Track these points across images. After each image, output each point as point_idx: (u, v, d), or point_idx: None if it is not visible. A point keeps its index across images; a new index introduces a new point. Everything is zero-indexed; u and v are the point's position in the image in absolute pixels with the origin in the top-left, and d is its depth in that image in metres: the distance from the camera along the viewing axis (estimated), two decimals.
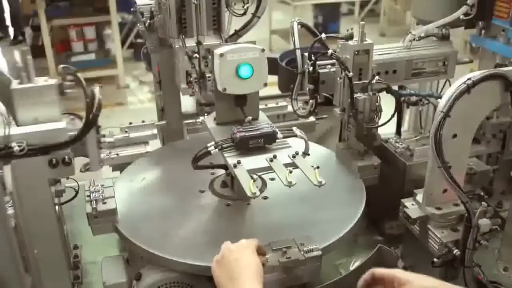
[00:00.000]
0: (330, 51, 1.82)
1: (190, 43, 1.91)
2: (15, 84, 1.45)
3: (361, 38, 1.84)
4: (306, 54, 1.88)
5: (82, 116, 1.58)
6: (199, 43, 1.87)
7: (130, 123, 2.27)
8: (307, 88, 1.91)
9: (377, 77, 1.88)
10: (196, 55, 1.87)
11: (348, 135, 1.98)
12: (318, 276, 1.53)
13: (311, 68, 1.86)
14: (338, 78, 1.88)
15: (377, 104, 1.89)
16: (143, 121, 2.30)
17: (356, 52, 1.84)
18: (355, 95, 1.85)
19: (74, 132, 1.47)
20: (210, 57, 1.84)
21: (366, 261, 1.63)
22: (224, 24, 2.01)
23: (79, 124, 1.50)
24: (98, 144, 1.56)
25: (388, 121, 1.93)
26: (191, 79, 1.94)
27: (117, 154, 2.15)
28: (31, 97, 1.45)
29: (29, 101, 1.44)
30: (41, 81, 1.47)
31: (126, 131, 2.22)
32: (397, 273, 1.25)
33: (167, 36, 2.03)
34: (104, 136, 2.11)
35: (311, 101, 1.91)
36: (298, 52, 1.90)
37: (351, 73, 1.81)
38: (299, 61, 1.91)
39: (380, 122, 1.93)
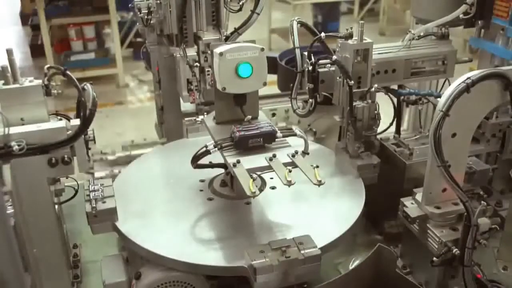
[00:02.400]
0: (334, 57, 1.83)
1: (191, 52, 1.93)
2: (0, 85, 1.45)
3: (360, 37, 1.84)
4: (306, 53, 1.88)
5: (70, 116, 1.58)
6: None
7: (132, 141, 2.29)
8: (307, 87, 1.91)
9: (376, 85, 1.89)
10: (197, 64, 1.89)
11: (347, 142, 1.98)
12: (317, 275, 1.53)
13: (310, 68, 1.86)
14: (338, 77, 1.88)
15: (376, 112, 1.89)
16: (144, 139, 2.32)
17: (355, 60, 1.84)
18: (354, 103, 1.86)
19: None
20: (209, 51, 1.85)
21: (366, 260, 1.63)
22: (223, 20, 2.02)
23: (68, 125, 1.50)
24: (86, 144, 1.56)
25: (386, 129, 1.94)
26: (192, 87, 1.95)
27: (119, 171, 2.15)
28: (16, 98, 1.45)
29: (14, 102, 1.45)
30: (26, 81, 1.47)
31: (128, 149, 2.24)
32: None
33: (167, 31, 2.04)
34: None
35: (310, 100, 1.91)
36: (297, 51, 1.91)
37: (352, 82, 1.81)
38: (299, 61, 1.91)
39: (380, 126, 1.94)
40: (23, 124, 1.45)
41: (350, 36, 1.86)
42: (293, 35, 1.92)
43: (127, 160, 2.21)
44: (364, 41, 1.85)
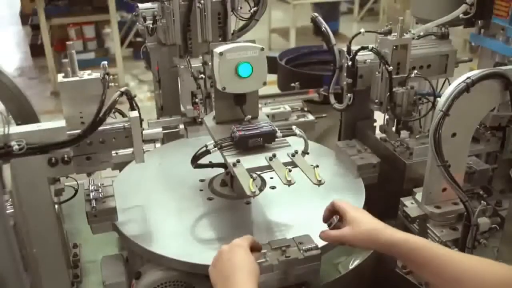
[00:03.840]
0: (370, 46, 1.85)
1: (196, 63, 1.87)
2: (60, 78, 1.49)
3: (400, 33, 1.87)
4: (345, 49, 1.91)
5: (125, 113, 1.61)
6: (205, 63, 1.83)
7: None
8: (344, 82, 1.93)
9: (415, 71, 1.91)
10: (202, 75, 1.84)
11: (386, 128, 2.01)
12: (317, 275, 1.53)
13: (350, 63, 1.88)
14: (377, 72, 1.90)
15: (414, 98, 1.93)
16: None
17: (394, 47, 1.86)
18: (394, 89, 1.89)
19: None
20: None
21: (366, 260, 1.63)
22: (230, 31, 1.97)
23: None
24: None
25: (425, 114, 1.96)
26: (197, 100, 1.90)
27: (116, 153, 2.14)
28: (75, 91, 1.49)
29: (74, 95, 1.49)
30: (85, 75, 1.52)
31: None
32: (348, 211, 1.42)
33: (170, 42, 2.00)
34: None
35: (349, 95, 1.93)
36: (335, 48, 1.94)
37: (391, 68, 1.83)
38: (337, 57, 1.96)
39: None
40: (81, 117, 1.50)
41: (389, 32, 1.88)
42: (327, 30, 1.94)
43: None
44: (403, 37, 1.88)
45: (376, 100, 1.94)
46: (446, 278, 1.22)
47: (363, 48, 1.89)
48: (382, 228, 1.36)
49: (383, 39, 1.90)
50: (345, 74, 1.95)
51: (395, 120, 2.02)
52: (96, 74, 1.52)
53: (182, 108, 2.40)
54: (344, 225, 1.42)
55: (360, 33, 1.89)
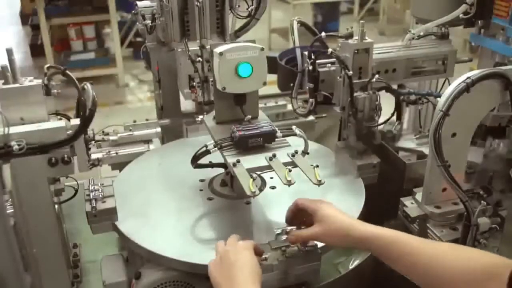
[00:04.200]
0: (329, 50, 1.82)
1: (193, 46, 1.88)
2: None
3: (361, 37, 1.84)
4: (306, 52, 1.88)
5: (70, 116, 1.58)
6: (202, 46, 1.84)
7: (134, 121, 2.28)
8: (307, 87, 1.91)
9: (377, 75, 1.88)
10: (200, 59, 1.84)
11: (348, 134, 1.98)
12: (317, 275, 1.53)
13: (311, 67, 1.86)
14: (338, 77, 1.88)
15: (376, 103, 1.89)
16: (146, 119, 2.31)
17: (356, 51, 1.83)
18: (355, 94, 1.85)
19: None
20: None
21: (366, 260, 1.63)
22: (227, 27, 1.98)
23: (68, 125, 1.50)
24: (86, 144, 1.55)
25: (388, 120, 1.94)
26: (194, 83, 1.90)
27: (116, 153, 2.15)
28: (16, 98, 1.44)
29: (14, 101, 1.44)
30: (26, 81, 1.47)
31: (130, 129, 2.22)
32: (317, 210, 1.42)
33: (169, 40, 2.01)
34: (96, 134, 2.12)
35: (311, 100, 1.91)
36: (298, 51, 1.90)
37: (350, 72, 1.81)
38: (299, 60, 1.91)
39: (380, 120, 1.93)
40: (23, 124, 1.45)
41: (350, 35, 1.85)
42: (294, 35, 1.91)
43: (130, 141, 2.22)
44: (364, 41, 1.84)
45: (339, 106, 1.91)
46: (420, 269, 1.23)
47: (322, 52, 1.86)
48: (354, 224, 1.37)
49: (343, 43, 1.86)
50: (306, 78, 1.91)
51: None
52: (37, 81, 1.48)
53: (182, 108, 2.41)
54: (313, 223, 1.43)
55: (320, 37, 1.87)
